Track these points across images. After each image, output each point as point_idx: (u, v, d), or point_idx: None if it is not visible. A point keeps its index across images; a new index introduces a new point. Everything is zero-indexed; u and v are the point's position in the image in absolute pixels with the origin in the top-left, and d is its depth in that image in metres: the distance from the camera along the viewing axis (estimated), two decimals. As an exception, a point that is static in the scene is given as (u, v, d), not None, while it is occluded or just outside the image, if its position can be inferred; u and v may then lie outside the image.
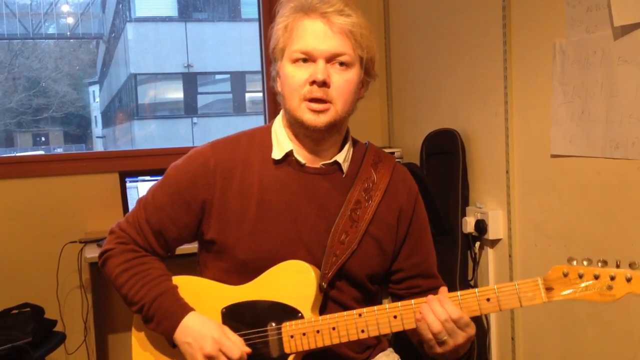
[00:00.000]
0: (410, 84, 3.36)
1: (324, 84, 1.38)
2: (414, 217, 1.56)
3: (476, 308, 1.29)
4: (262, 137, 1.53)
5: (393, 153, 3.24)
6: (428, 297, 1.31)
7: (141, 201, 1.55)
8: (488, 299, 1.28)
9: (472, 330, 1.30)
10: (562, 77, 2.19)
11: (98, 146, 9.85)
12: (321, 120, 1.40)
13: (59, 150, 8.41)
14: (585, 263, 1.22)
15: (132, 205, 3.16)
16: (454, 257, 2.80)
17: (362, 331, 1.35)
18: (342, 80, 1.40)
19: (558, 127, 2.22)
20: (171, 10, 10.52)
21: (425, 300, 1.31)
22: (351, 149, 1.55)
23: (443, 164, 2.92)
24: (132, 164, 3.33)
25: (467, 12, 2.78)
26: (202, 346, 1.38)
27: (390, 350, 1.64)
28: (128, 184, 3.19)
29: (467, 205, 2.81)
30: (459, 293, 1.30)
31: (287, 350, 1.38)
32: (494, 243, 2.67)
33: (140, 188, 3.19)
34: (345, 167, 1.51)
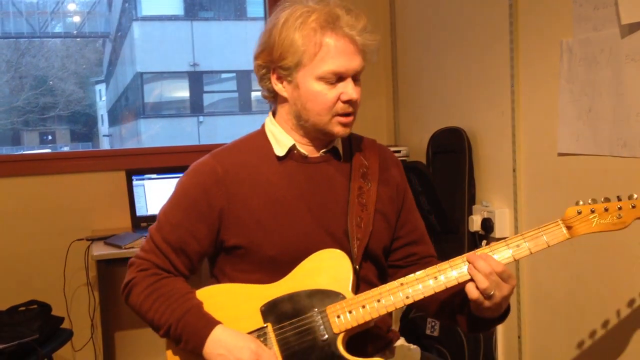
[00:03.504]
0: (417, 82, 3.36)
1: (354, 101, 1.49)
2: (405, 188, 1.68)
3: (509, 255, 1.38)
4: (258, 140, 1.59)
5: (399, 151, 3.25)
6: (468, 255, 1.39)
7: (153, 228, 1.55)
8: (518, 245, 1.38)
9: (514, 280, 1.39)
10: (569, 76, 2.18)
11: (104, 144, 9.87)
12: (348, 130, 1.52)
13: (66, 149, 8.44)
14: (590, 201, 1.39)
15: (138, 202, 3.19)
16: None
17: (407, 297, 1.40)
18: (358, 93, 1.51)
19: (565, 125, 2.22)
20: (177, 9, 10.54)
21: (465, 258, 1.39)
22: None
23: (449, 163, 2.92)
24: (138, 162, 3.34)
25: (473, 10, 2.77)
26: (239, 357, 1.38)
27: (402, 339, 1.70)
28: (135, 182, 3.20)
29: (474, 203, 2.81)
30: (489, 247, 1.40)
31: (336, 330, 1.41)
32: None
33: (146, 186, 3.20)
34: (341, 152, 1.60)
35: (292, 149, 1.55)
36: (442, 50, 3.07)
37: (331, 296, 1.43)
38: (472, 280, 1.36)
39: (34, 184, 3.27)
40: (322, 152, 1.57)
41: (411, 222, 1.67)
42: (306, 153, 1.55)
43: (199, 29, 10.35)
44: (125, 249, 2.81)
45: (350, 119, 1.50)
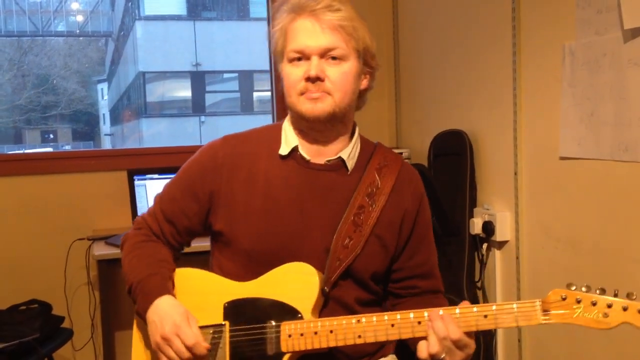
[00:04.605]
0: (419, 85, 3.36)
1: (317, 79, 1.43)
2: (418, 219, 1.58)
3: (473, 324, 1.29)
4: (272, 133, 1.57)
5: (401, 153, 3.25)
6: (431, 312, 1.31)
7: (158, 195, 1.63)
8: (485, 316, 1.29)
9: (470, 350, 1.31)
10: (571, 79, 2.18)
11: (106, 144, 9.89)
12: (319, 108, 1.44)
13: (67, 148, 8.45)
14: (584, 289, 1.25)
15: (140, 202, 3.19)
16: (461, 259, 2.80)
17: (359, 337, 1.35)
18: (338, 73, 1.44)
19: (567, 129, 2.22)
20: (180, 9, 10.55)
21: (424, 315, 1.32)
22: (358, 147, 1.56)
23: (451, 165, 2.92)
24: (140, 162, 3.34)
25: (476, 12, 2.77)
26: (163, 326, 1.40)
27: (392, 356, 1.63)
28: (136, 182, 3.19)
29: (475, 206, 2.80)
30: (457, 308, 1.31)
31: (283, 349, 1.39)
32: (501, 245, 2.67)
33: (148, 186, 3.20)
34: (350, 164, 1.53)
35: (295, 149, 1.52)
36: (445, 52, 3.07)
37: (290, 312, 1.41)
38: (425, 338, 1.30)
39: (35, 183, 3.27)
40: (327, 161, 1.51)
41: (421, 256, 1.58)
42: (309, 157, 1.51)
43: (202, 28, 10.36)
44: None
45: (316, 94, 1.42)
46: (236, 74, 10.81)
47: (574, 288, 1.25)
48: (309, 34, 1.43)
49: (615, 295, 1.22)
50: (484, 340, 2.67)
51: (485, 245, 2.77)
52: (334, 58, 1.44)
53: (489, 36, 2.66)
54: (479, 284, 2.80)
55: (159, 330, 1.40)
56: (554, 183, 2.32)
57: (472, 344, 1.31)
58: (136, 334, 1.56)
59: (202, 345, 1.39)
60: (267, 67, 3.73)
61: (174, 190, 1.59)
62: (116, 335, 3.29)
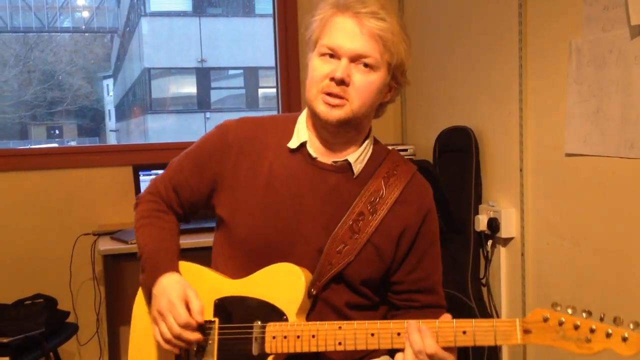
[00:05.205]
0: (424, 81, 3.36)
1: (342, 82, 1.39)
2: (421, 233, 1.53)
3: (452, 339, 1.27)
4: (287, 124, 1.55)
5: (406, 150, 3.25)
6: (409, 324, 1.29)
7: (174, 161, 1.65)
8: (464, 332, 1.26)
9: None
10: (577, 76, 2.17)
11: (111, 140, 9.90)
12: (333, 114, 1.41)
13: (73, 143, 8.46)
14: (569, 311, 1.19)
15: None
16: (466, 255, 2.79)
17: (339, 343, 1.34)
18: (363, 81, 1.41)
19: (573, 126, 2.21)
20: (185, 5, 10.55)
21: (404, 325, 1.30)
22: (369, 152, 1.54)
23: (456, 162, 2.91)
24: (145, 158, 3.35)
25: (482, 9, 2.77)
26: (160, 302, 1.43)
27: (386, 357, 1.60)
28: (141, 178, 3.20)
29: (480, 203, 2.80)
30: (437, 322, 1.28)
31: (267, 350, 1.39)
32: (506, 241, 2.67)
33: (153, 182, 3.20)
34: (356, 168, 1.50)
35: (304, 145, 1.50)
36: (450, 48, 3.07)
37: (276, 313, 1.41)
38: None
39: (41, 178, 3.28)
40: (333, 161, 1.49)
41: (422, 271, 1.53)
42: (316, 155, 1.49)
43: (207, 25, 10.36)
44: (131, 244, 2.81)
45: (336, 101, 1.40)
46: (241, 71, 10.81)
47: (558, 309, 1.19)
48: (347, 34, 1.40)
49: (601, 320, 1.17)
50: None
51: (490, 242, 2.76)
52: (365, 65, 1.41)
53: (495, 32, 2.66)
54: (483, 281, 2.80)
55: (156, 305, 1.44)
56: (560, 180, 2.32)
57: (450, 358, 1.28)
58: (137, 306, 1.59)
59: (192, 327, 1.41)
60: (273, 64, 3.73)
61: (184, 160, 1.61)
62: (121, 330, 3.30)
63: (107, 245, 2.91)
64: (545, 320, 1.19)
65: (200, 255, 1.71)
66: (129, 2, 9.98)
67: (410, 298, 1.54)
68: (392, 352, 1.58)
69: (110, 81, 10.33)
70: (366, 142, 1.53)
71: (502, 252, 2.69)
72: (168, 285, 1.46)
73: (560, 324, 1.17)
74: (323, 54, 1.42)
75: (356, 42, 1.39)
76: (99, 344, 3.31)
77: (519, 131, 2.50)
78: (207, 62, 10.42)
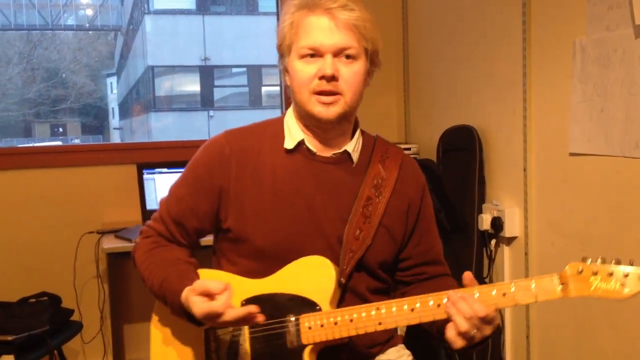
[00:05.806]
0: (428, 80, 3.35)
1: (332, 78, 1.43)
2: (422, 208, 1.61)
3: (493, 302, 1.31)
4: (275, 128, 1.58)
5: (409, 149, 3.25)
6: (450, 295, 1.31)
7: (163, 199, 1.61)
8: (504, 294, 1.30)
9: (497, 320, 1.33)
10: (581, 75, 2.17)
11: (115, 137, 9.92)
12: (331, 112, 1.45)
13: (77, 141, 8.48)
14: (599, 261, 1.25)
15: (149, 196, 3.20)
16: (470, 254, 2.79)
17: (380, 323, 1.36)
18: (350, 73, 1.45)
19: (577, 125, 2.21)
20: (189, 3, 10.56)
21: (447, 296, 1.32)
22: (360, 139, 1.59)
23: (460, 161, 2.91)
24: (149, 156, 3.35)
25: (486, 7, 2.76)
26: (198, 313, 1.34)
27: (401, 346, 1.65)
28: (145, 176, 3.21)
29: (484, 202, 2.80)
30: (475, 289, 1.31)
31: (304, 341, 1.40)
32: (510, 241, 2.67)
33: (157, 180, 3.21)
34: (355, 156, 1.55)
35: (301, 143, 1.53)
36: (454, 47, 3.06)
37: (308, 305, 1.42)
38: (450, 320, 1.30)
39: (45, 176, 3.29)
40: (333, 154, 1.53)
41: (426, 243, 1.62)
42: (315, 150, 1.52)
43: (211, 23, 10.37)
44: (135, 242, 2.81)
45: (330, 98, 1.44)
46: (245, 69, 10.83)
47: (589, 261, 1.26)
48: (324, 31, 1.43)
49: (631, 264, 1.23)
50: (492, 337, 2.66)
51: (493, 242, 2.76)
52: (347, 57, 1.44)
53: (499, 31, 2.66)
54: (487, 280, 2.80)
55: (202, 319, 1.35)
56: (564, 179, 2.32)
57: (497, 317, 1.33)
58: (154, 329, 1.56)
59: (229, 303, 1.32)
60: (276, 62, 3.72)
61: (181, 190, 1.57)
62: (125, 328, 3.32)
63: (111, 244, 2.91)
64: (580, 272, 1.26)
65: (200, 255, 1.71)
66: (133, 0, 9.99)
67: (419, 272, 1.61)
68: (406, 342, 1.66)
69: (113, 79, 10.35)
70: (357, 131, 1.58)
71: (506, 251, 2.69)
72: (184, 303, 1.39)
73: (595, 273, 1.25)
74: (304, 56, 1.45)
75: (335, 36, 1.43)
76: (103, 342, 3.31)
77: (522, 130, 2.50)
78: (211, 60, 10.44)
